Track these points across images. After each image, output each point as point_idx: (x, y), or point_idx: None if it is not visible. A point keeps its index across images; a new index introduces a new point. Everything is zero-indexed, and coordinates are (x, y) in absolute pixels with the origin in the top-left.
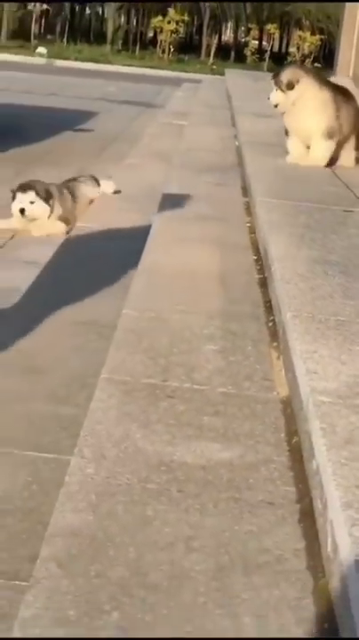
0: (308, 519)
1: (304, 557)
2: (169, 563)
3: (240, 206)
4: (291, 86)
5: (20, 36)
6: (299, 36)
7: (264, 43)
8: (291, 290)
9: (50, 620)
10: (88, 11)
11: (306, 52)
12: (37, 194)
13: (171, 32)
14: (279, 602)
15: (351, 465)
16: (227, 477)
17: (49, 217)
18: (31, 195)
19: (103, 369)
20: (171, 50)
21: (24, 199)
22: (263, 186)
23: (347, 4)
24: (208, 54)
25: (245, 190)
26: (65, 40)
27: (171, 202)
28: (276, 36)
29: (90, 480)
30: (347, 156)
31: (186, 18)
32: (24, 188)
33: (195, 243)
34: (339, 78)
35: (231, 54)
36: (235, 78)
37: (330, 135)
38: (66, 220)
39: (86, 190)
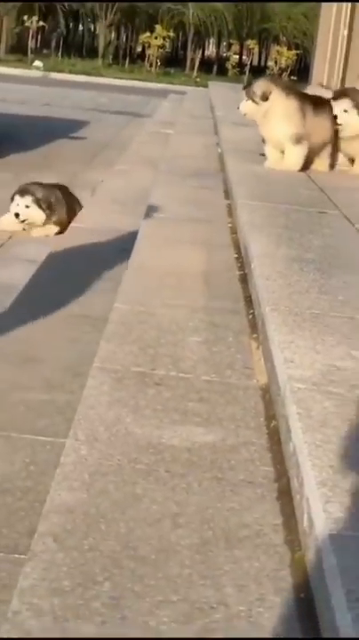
0: (286, 497)
1: (282, 532)
2: (157, 537)
3: (222, 208)
4: (264, 98)
5: (18, 50)
6: (277, 51)
7: (244, 57)
8: (269, 285)
9: (46, 590)
10: (81, 27)
11: (283, 65)
12: (34, 199)
13: (158, 47)
14: (259, 573)
15: (325, 446)
16: (210, 459)
17: (44, 223)
18: (28, 199)
19: (95, 358)
20: (158, 63)
21: (21, 202)
22: (244, 189)
23: (321, 21)
24: (192, 68)
25: (227, 194)
26: (60, 54)
27: (158, 205)
28: (256, 50)
29: (83, 461)
30: (321, 162)
31: (171, 34)
32: (23, 192)
33: (181, 242)
34: (314, 87)
35: (214, 68)
36: (218, 90)
37: (298, 140)
38: (60, 223)
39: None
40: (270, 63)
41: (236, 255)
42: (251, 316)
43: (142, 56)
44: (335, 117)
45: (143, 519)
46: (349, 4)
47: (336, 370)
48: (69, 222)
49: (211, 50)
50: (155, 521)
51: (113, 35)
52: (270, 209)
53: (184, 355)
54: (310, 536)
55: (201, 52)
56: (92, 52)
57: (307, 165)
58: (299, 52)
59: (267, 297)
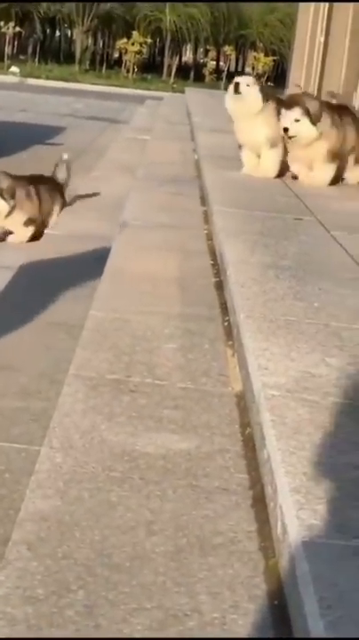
0: (260, 504)
1: (256, 539)
2: (131, 545)
3: (198, 215)
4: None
5: None
6: (254, 57)
7: (221, 63)
8: (244, 292)
9: (20, 598)
10: (58, 33)
11: (260, 71)
12: None
13: (135, 53)
14: (233, 580)
15: (299, 453)
16: (185, 466)
17: (7, 215)
18: None
19: (71, 366)
20: (135, 69)
21: None
22: (220, 196)
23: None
24: (169, 74)
25: (203, 200)
26: (36, 60)
27: (135, 211)
28: (233, 57)
29: (58, 468)
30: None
31: (149, 40)
32: None
33: (157, 249)
34: (291, 88)
35: (191, 74)
36: (195, 96)
37: (273, 144)
38: (32, 222)
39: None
40: (247, 69)
41: (212, 262)
42: (226, 323)
43: (119, 62)
44: (285, 130)
45: (117, 527)
46: (326, 11)
47: (310, 377)
48: (45, 221)
49: (188, 56)
50: (129, 528)
51: (90, 41)
52: (246, 216)
53: (159, 362)
54: (284, 543)
55: (178, 58)
56: (69, 58)
57: (282, 172)
58: (276, 58)
59: (242, 304)
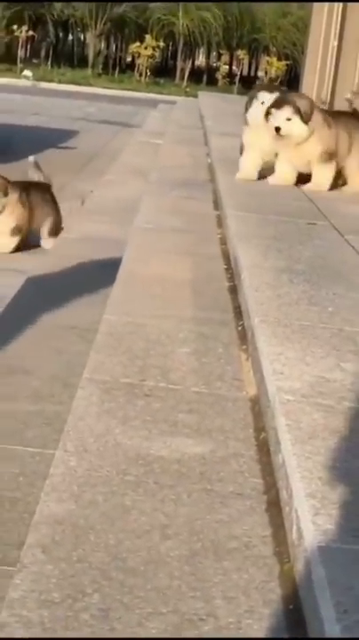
0: (275, 508)
1: (271, 544)
2: (146, 549)
3: (211, 219)
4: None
5: (7, 60)
6: (267, 62)
7: (234, 67)
8: (258, 297)
9: (35, 601)
10: (71, 37)
11: (273, 76)
12: None
13: (148, 57)
14: (248, 585)
15: (314, 458)
16: (199, 470)
17: None
18: None
19: (85, 369)
20: (148, 73)
21: None
22: (233, 200)
23: (311, 32)
24: (182, 78)
25: (216, 204)
26: (49, 64)
27: (148, 215)
28: (246, 61)
29: (72, 472)
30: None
31: (161, 44)
32: None
33: (170, 253)
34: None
35: (203, 78)
36: (208, 100)
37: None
38: (18, 232)
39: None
40: (260, 73)
41: (226, 266)
42: (240, 328)
43: (132, 66)
44: (277, 130)
45: (132, 530)
46: (339, 15)
47: (325, 381)
48: (35, 231)
49: (200, 60)
50: (144, 532)
51: (102, 44)
52: (259, 219)
53: (173, 366)
54: (299, 548)
55: (191, 62)
56: (82, 62)
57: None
58: (289, 62)
59: (257, 308)
